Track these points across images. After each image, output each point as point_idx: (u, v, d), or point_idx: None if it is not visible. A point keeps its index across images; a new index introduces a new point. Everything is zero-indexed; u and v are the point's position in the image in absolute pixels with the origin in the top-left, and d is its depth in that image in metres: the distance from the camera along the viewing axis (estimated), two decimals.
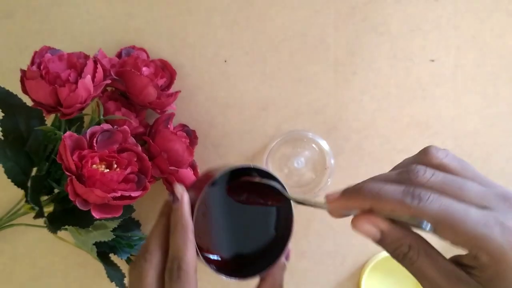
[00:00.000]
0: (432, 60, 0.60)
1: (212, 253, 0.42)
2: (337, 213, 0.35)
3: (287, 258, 0.42)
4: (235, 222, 0.43)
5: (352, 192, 0.33)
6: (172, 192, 0.39)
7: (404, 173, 0.32)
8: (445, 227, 0.30)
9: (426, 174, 0.32)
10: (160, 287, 0.37)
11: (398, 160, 0.60)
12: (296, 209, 0.61)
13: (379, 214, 0.33)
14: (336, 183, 0.58)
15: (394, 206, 0.31)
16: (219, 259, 0.42)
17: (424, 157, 0.34)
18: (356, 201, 0.33)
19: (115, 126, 0.51)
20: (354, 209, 0.34)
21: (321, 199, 0.37)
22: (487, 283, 0.30)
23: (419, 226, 0.31)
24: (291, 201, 0.41)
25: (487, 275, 0.30)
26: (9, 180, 0.51)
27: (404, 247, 0.32)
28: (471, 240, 0.29)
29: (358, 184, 0.33)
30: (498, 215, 0.30)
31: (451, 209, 0.30)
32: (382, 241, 0.33)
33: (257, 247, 0.43)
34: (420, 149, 0.63)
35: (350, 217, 0.65)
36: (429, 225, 0.30)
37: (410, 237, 0.33)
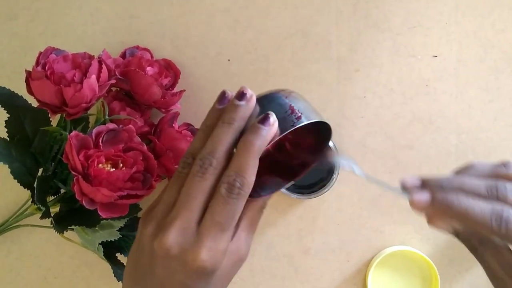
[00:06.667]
0: (435, 56, 0.60)
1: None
2: (418, 210, 0.37)
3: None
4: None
5: (442, 204, 0.35)
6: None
7: (493, 189, 0.35)
8: None
9: None
10: (209, 198, 0.34)
11: (402, 156, 0.60)
12: (301, 206, 0.61)
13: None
14: (341, 180, 0.58)
15: (481, 227, 0.34)
16: None
17: (504, 170, 0.37)
18: (445, 214, 0.36)
19: (121, 126, 0.51)
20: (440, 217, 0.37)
21: (396, 185, 0.38)
22: None
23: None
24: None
25: None
26: (16, 180, 0.51)
27: (474, 241, 0.38)
28: None
29: (448, 193, 0.36)
30: None
31: None
32: (455, 234, 0.39)
33: None
34: (423, 145, 0.63)
35: (353, 214, 0.65)
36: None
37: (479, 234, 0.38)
